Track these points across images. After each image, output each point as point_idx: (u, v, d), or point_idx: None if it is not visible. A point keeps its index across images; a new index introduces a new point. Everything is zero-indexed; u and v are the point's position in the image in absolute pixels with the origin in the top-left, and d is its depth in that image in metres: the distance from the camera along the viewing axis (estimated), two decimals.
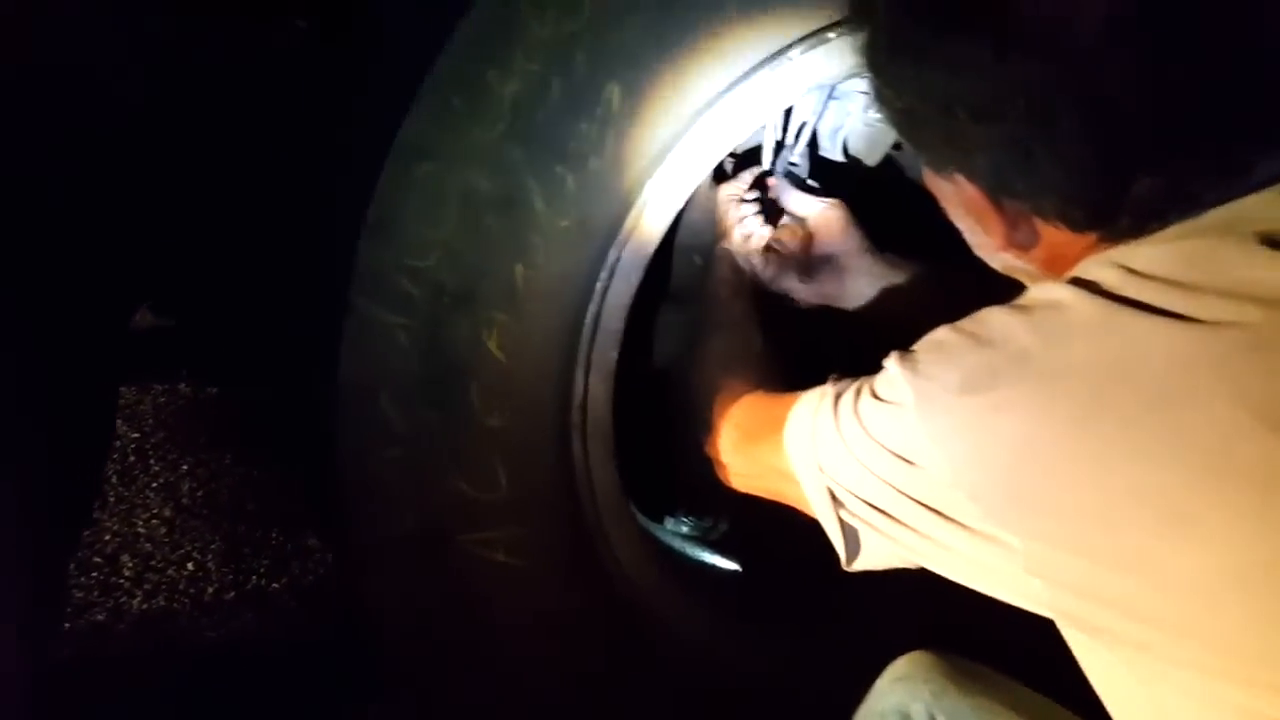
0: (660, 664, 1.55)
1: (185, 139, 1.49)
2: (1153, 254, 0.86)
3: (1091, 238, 0.92)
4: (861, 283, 1.52)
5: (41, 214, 1.36)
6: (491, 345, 1.32)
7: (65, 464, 1.49)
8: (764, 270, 1.57)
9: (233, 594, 2.22)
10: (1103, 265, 0.87)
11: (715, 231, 1.64)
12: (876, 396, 0.97)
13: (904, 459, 0.92)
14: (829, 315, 1.61)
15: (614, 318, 1.40)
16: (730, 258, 1.57)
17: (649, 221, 1.37)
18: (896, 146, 1.78)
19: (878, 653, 1.22)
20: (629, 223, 1.35)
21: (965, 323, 0.93)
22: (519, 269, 1.30)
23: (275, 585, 2.25)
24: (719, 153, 1.40)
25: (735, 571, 1.81)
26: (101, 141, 1.43)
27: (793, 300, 1.61)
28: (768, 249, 1.59)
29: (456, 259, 1.27)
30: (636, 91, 1.28)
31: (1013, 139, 0.89)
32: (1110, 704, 0.95)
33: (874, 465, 0.96)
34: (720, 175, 1.71)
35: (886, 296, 1.50)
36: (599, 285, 1.36)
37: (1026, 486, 0.85)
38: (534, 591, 1.43)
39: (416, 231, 1.25)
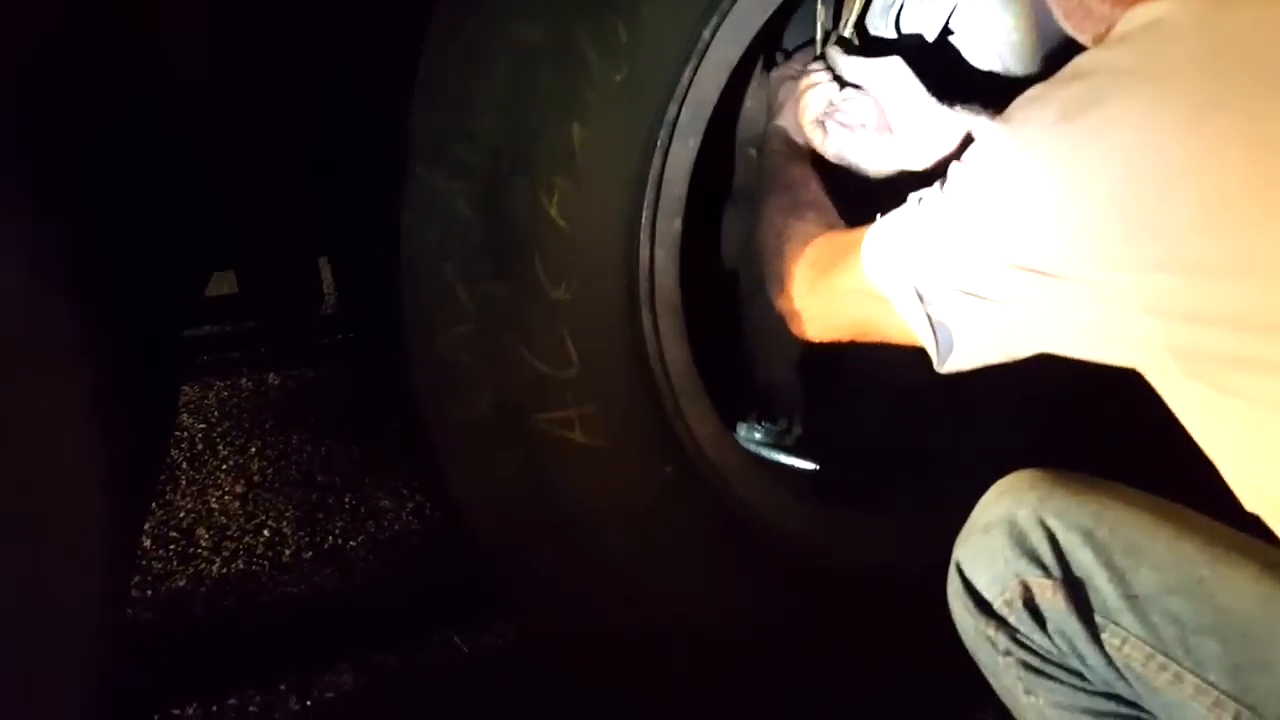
0: (739, 542, 1.51)
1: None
2: None
3: None
4: (945, 135, 1.41)
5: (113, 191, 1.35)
6: (553, 212, 1.28)
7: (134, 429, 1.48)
8: (835, 145, 1.47)
9: (310, 554, 2.21)
10: None
11: (769, 113, 1.59)
12: (966, 165, 0.93)
13: (1002, 215, 0.88)
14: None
15: (676, 182, 1.35)
16: (783, 131, 1.51)
17: (708, 75, 1.32)
18: (947, 28, 1.74)
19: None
20: (687, 76, 1.30)
21: (1056, 74, 0.88)
22: (575, 128, 1.26)
23: (352, 544, 2.24)
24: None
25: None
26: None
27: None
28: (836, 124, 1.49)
29: (511, 119, 1.23)
30: None
31: None
32: (1219, 460, 0.90)
33: (967, 240, 0.91)
34: (770, 67, 1.67)
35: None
36: (659, 145, 1.31)
37: (1137, 208, 0.80)
38: (612, 471, 1.39)
39: (468, 92, 1.21)
